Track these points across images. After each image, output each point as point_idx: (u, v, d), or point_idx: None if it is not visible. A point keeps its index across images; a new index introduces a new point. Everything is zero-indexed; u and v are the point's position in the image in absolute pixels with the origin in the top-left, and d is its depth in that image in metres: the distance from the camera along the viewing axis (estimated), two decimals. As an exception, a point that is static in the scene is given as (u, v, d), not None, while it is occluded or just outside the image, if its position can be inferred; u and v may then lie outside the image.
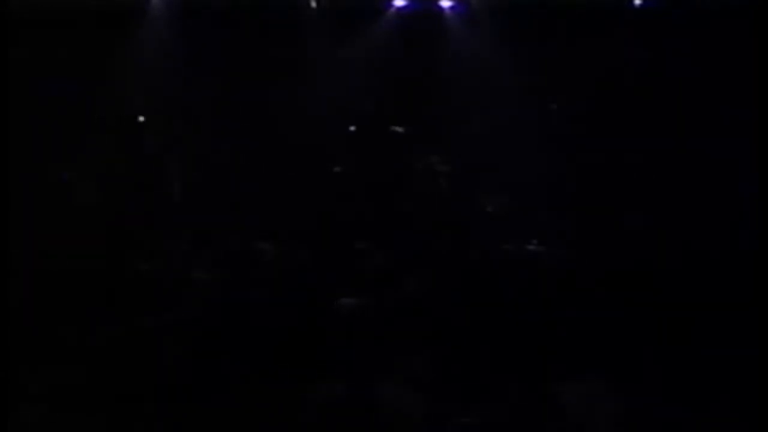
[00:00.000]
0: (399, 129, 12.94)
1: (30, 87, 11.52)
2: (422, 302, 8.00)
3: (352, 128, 13.34)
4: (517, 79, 12.92)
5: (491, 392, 6.52)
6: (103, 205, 11.18)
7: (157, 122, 12.82)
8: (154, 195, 11.70)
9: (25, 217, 8.68)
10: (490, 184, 12.07)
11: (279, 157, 12.51)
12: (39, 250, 8.94)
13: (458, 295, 8.13)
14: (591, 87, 12.90)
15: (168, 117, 12.97)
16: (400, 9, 13.88)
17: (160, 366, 6.93)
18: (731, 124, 11.81)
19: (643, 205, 11.12)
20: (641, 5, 13.40)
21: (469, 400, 6.44)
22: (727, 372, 6.65)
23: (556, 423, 6.05)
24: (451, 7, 13.85)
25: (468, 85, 13.38)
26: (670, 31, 12.77)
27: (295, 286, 8.41)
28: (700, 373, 6.71)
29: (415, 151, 12.76)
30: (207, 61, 13.20)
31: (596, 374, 6.37)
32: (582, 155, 12.36)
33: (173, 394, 6.54)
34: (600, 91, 12.85)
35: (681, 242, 9.63)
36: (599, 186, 11.68)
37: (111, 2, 12.81)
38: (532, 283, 8.51)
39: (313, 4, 13.77)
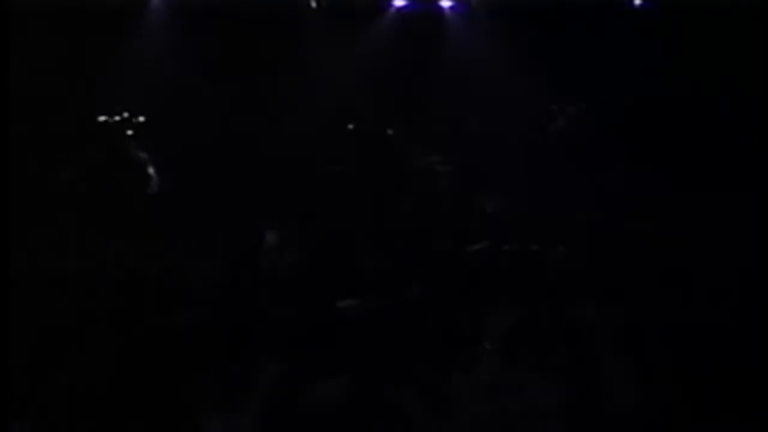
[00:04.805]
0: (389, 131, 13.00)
1: (30, 86, 11.54)
2: (422, 302, 8.01)
3: (351, 127, 13.35)
4: (517, 79, 12.92)
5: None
6: (101, 204, 11.19)
7: (155, 122, 12.84)
8: (154, 195, 11.71)
9: (24, 217, 8.69)
10: (490, 185, 12.06)
11: (278, 156, 12.51)
12: (40, 250, 8.95)
13: (457, 295, 8.14)
14: (591, 87, 12.90)
15: (167, 117, 12.98)
16: (400, 9, 13.89)
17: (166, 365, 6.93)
18: (731, 123, 11.81)
19: (644, 204, 11.12)
20: (641, 5, 13.41)
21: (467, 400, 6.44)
22: (727, 372, 6.66)
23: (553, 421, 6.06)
24: (451, 7, 13.86)
25: (468, 85, 13.39)
26: (670, 31, 12.78)
27: (294, 286, 8.42)
28: (700, 372, 6.72)
29: (415, 151, 12.77)
30: (207, 61, 13.20)
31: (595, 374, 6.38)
32: (582, 155, 12.36)
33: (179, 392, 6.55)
34: (600, 91, 12.85)
35: (681, 242, 9.64)
36: (599, 185, 11.69)
37: (111, 2, 12.81)
38: (531, 283, 8.52)
39: (313, 4, 13.77)
